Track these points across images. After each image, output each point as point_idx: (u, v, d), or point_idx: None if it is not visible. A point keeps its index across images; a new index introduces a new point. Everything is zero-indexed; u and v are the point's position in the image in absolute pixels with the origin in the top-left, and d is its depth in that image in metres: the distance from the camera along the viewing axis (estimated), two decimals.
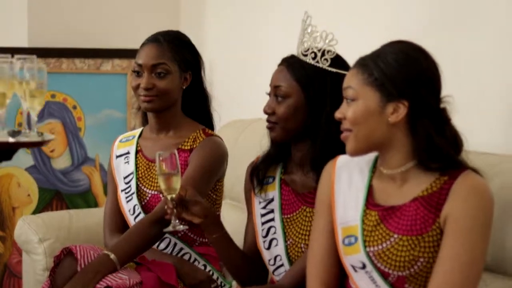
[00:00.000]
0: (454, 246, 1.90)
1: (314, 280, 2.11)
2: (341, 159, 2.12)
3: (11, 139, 2.18)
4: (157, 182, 2.67)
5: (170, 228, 2.26)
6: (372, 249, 1.99)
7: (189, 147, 2.67)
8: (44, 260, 3.09)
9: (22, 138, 2.21)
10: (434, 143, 1.94)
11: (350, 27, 3.07)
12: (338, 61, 2.28)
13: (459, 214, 1.90)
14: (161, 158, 2.22)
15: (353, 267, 2.03)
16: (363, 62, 2.00)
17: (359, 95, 1.97)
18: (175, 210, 2.23)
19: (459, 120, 2.01)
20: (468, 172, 1.95)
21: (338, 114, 2.02)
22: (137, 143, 2.78)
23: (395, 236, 1.96)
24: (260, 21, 3.76)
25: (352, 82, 1.99)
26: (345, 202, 2.07)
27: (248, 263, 2.42)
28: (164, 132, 2.72)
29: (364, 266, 2.01)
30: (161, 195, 2.59)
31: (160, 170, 2.22)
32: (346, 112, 1.99)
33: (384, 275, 1.98)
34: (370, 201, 2.04)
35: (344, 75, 2.19)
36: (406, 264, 1.95)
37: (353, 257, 2.03)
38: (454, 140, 1.97)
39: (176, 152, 2.24)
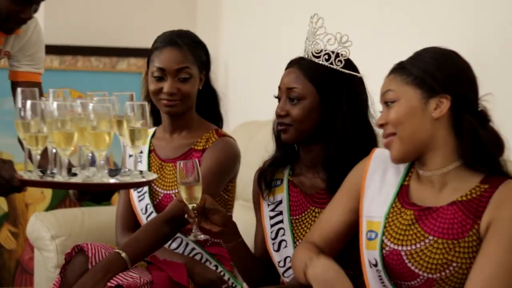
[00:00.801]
0: (497, 252, 1.87)
1: (317, 237, 2.11)
2: (379, 152, 2.11)
3: (112, 180, 2.10)
4: (169, 182, 2.67)
5: (191, 238, 2.24)
6: (405, 248, 1.97)
7: (201, 147, 2.66)
8: (55, 257, 3.10)
9: (124, 178, 2.13)
10: (479, 138, 1.92)
11: (361, 30, 3.06)
12: (350, 63, 2.28)
13: (503, 221, 1.88)
14: (182, 168, 2.19)
15: (370, 262, 2.02)
16: (399, 66, 2.00)
17: (400, 95, 1.96)
18: (196, 220, 2.22)
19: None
20: (510, 181, 1.93)
21: (380, 121, 2.00)
22: (150, 142, 2.78)
23: (430, 238, 1.95)
24: (275, 24, 3.76)
25: (391, 85, 1.98)
26: (373, 195, 2.06)
27: (261, 269, 2.42)
28: (177, 133, 2.72)
29: (376, 264, 2.00)
30: (173, 195, 2.59)
31: (181, 180, 2.19)
32: (387, 116, 1.97)
33: (414, 276, 1.95)
34: (406, 200, 2.02)
35: (356, 76, 2.19)
36: (439, 267, 1.93)
37: (371, 253, 2.01)
38: (496, 139, 1.95)
39: (197, 161, 2.22)
